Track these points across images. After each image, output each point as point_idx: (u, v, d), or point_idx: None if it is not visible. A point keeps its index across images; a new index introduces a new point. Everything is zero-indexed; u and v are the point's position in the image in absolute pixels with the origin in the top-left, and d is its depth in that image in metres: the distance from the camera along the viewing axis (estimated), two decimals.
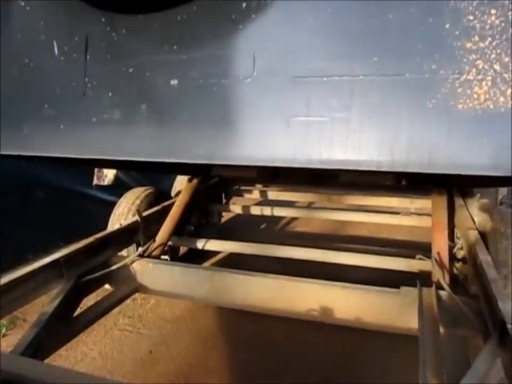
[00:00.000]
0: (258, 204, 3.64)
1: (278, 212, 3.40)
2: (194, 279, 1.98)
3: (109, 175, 2.47)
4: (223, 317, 2.48)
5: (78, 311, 1.79)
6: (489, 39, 0.62)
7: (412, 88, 0.65)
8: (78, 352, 2.15)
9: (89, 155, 0.86)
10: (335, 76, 0.68)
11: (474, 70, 0.63)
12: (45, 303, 1.70)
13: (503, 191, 1.89)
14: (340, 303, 1.82)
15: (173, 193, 3.46)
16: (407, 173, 2.34)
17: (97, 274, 1.92)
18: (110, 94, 0.81)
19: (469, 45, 0.63)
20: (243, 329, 2.36)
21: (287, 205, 3.72)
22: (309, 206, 4.05)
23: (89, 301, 1.95)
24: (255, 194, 3.80)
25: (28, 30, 0.84)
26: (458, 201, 2.72)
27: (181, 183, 3.55)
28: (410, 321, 1.74)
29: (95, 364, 2.07)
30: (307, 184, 3.59)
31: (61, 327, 1.61)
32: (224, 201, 3.76)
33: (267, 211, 3.39)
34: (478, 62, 0.63)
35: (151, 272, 2.04)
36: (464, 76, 0.64)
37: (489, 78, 0.62)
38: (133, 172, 4.32)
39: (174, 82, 0.77)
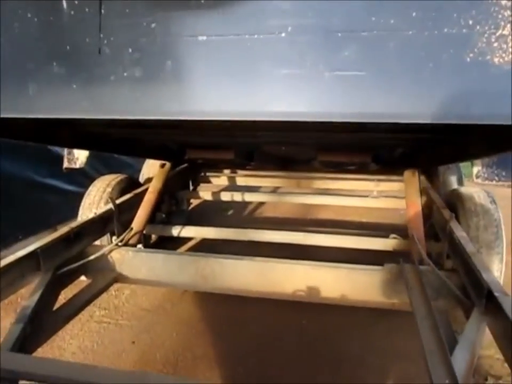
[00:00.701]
0: (227, 189, 3.59)
1: (248, 197, 3.38)
2: (178, 265, 1.93)
3: (80, 157, 2.31)
4: (203, 303, 2.44)
5: (57, 304, 1.69)
6: None
7: (450, 43, 0.67)
8: (55, 348, 2.04)
9: (107, 115, 0.80)
10: (373, 31, 0.67)
11: (509, 25, 0.66)
12: (11, 299, 1.58)
13: (477, 166, 1.98)
14: (326, 283, 1.84)
15: (141, 180, 3.35)
16: (381, 154, 2.37)
17: (75, 265, 1.83)
18: (130, 50, 0.75)
19: (503, 2, 0.65)
20: (225, 314, 2.34)
21: (255, 190, 3.71)
22: (279, 191, 4.05)
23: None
24: (223, 181, 3.76)
25: None
26: (424, 181, 2.81)
27: (149, 170, 3.46)
28: (395, 296, 1.79)
29: (75, 358, 1.98)
30: (276, 168, 3.59)
31: (44, 322, 1.53)
32: (191, 188, 3.70)
33: (237, 197, 3.36)
34: None
35: (131, 261, 1.97)
36: (500, 31, 0.66)
37: None
38: (94, 161, 4.14)
39: (202, 38, 0.72)
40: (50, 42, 0.78)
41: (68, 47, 0.77)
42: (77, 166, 2.34)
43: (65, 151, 2.36)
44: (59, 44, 0.77)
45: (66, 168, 2.36)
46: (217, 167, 3.69)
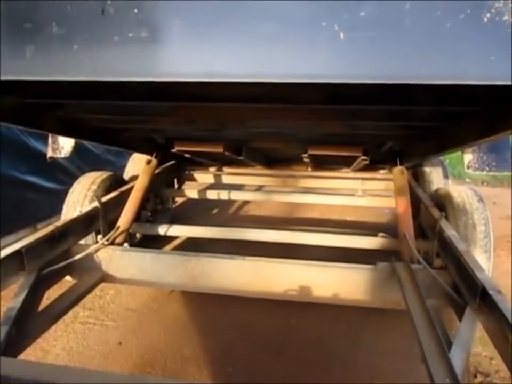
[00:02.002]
0: (212, 188, 3.55)
1: (234, 195, 3.34)
2: (168, 265, 1.89)
3: (66, 146, 2.21)
4: (190, 303, 2.40)
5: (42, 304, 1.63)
6: None
7: (467, 3, 0.66)
8: (38, 350, 1.96)
9: (109, 77, 0.76)
10: None
11: None
12: None
13: (468, 156, 1.99)
14: (319, 282, 1.83)
15: (126, 177, 3.27)
16: (371, 148, 2.33)
17: (61, 265, 1.76)
18: (136, 10, 0.71)
19: None
20: (213, 313, 2.30)
21: (241, 189, 3.67)
22: (265, 189, 4.03)
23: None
24: (208, 179, 3.71)
25: None
26: (411, 179, 2.82)
27: (133, 167, 3.39)
28: (387, 295, 1.79)
29: (59, 360, 1.91)
30: (263, 167, 3.56)
31: (29, 324, 1.46)
32: (176, 186, 3.64)
33: (223, 195, 3.33)
34: None
35: (119, 260, 1.91)
36: None
37: None
38: (74, 158, 4.03)
39: None
40: (50, 2, 0.73)
41: (68, 7, 0.73)
42: (62, 155, 2.25)
43: (50, 139, 2.27)
44: (57, 5, 0.73)
45: (50, 158, 2.27)
46: (202, 165, 3.63)
